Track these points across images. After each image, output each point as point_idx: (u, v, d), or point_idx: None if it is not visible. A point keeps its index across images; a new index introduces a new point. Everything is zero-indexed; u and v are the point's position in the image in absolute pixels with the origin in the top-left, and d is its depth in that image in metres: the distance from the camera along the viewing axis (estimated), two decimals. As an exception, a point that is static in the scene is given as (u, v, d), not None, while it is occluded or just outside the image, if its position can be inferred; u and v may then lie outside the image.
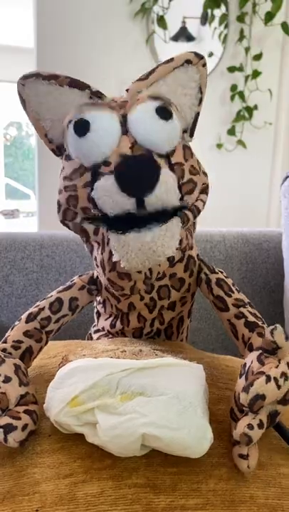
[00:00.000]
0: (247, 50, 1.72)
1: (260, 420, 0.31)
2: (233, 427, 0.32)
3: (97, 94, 0.40)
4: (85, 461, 0.31)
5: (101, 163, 0.37)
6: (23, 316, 0.43)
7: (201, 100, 0.43)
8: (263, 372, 0.31)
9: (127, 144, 0.36)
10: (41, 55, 1.54)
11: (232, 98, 1.75)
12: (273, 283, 0.82)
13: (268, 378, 0.30)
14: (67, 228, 0.43)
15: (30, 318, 0.42)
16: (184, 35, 1.73)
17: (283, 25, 1.63)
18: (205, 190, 0.43)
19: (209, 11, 1.66)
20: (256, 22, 1.69)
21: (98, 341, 0.50)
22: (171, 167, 0.38)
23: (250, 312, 0.41)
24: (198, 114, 0.43)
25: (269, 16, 1.63)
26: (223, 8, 1.69)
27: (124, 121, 0.37)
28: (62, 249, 0.75)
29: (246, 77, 1.74)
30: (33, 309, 0.44)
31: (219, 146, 1.77)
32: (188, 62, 0.41)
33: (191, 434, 0.30)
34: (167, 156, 0.38)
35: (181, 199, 0.39)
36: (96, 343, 0.49)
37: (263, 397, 0.30)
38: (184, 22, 1.71)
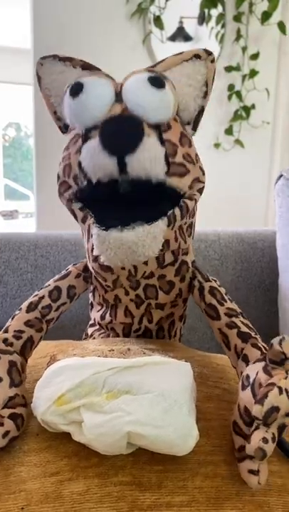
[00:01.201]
0: (244, 49, 1.72)
1: (273, 434, 0.30)
2: (239, 442, 0.32)
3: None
4: (71, 460, 0.31)
5: (92, 128, 0.37)
6: (23, 306, 0.43)
7: (206, 94, 0.43)
8: (273, 384, 0.30)
9: (118, 109, 0.37)
10: (38, 55, 1.54)
11: (229, 98, 1.75)
12: (268, 282, 0.82)
13: (280, 390, 0.29)
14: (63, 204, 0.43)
15: (31, 308, 0.43)
16: (181, 35, 1.73)
17: (280, 24, 1.63)
18: (200, 190, 0.43)
19: (206, 10, 1.66)
20: (253, 21, 1.70)
21: (90, 341, 0.50)
22: (162, 141, 0.38)
23: (243, 322, 0.40)
24: (202, 108, 0.43)
25: (266, 16, 1.63)
26: (220, 7, 1.69)
27: (120, 91, 0.38)
28: (57, 250, 0.75)
29: (243, 77, 1.74)
30: (32, 299, 0.44)
31: (217, 145, 1.78)
32: (196, 56, 0.42)
33: (176, 431, 0.30)
34: (158, 129, 0.38)
35: (168, 174, 0.38)
36: (87, 343, 0.49)
37: (277, 409, 0.29)
38: (181, 22, 1.71)
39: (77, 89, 0.38)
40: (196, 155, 0.42)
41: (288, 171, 0.73)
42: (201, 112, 0.43)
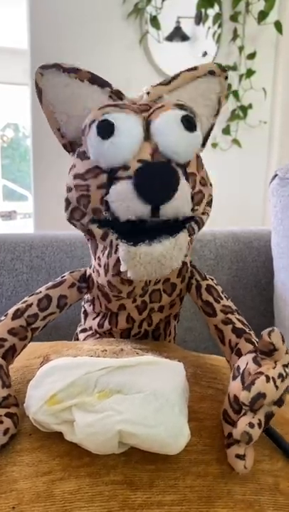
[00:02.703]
0: (241, 49, 1.73)
1: (259, 420, 0.31)
2: (228, 429, 0.33)
3: (118, 94, 0.39)
4: (63, 459, 0.32)
5: (120, 167, 0.36)
6: (10, 312, 0.42)
7: (218, 112, 0.42)
8: (261, 373, 0.31)
9: (148, 150, 0.35)
10: (35, 56, 1.54)
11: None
12: (264, 281, 0.83)
13: (268, 378, 0.31)
14: (73, 227, 0.42)
15: (17, 315, 0.42)
16: (178, 34, 1.74)
17: (276, 23, 1.64)
18: (210, 202, 0.43)
19: (203, 10, 1.67)
20: (249, 21, 1.70)
21: (84, 342, 0.50)
22: (187, 177, 0.37)
23: (238, 319, 0.41)
24: (213, 125, 0.43)
25: (262, 15, 1.63)
26: (216, 7, 1.69)
27: (146, 127, 0.36)
28: (52, 250, 0.75)
29: (240, 76, 1.75)
30: (20, 305, 0.43)
31: (214, 145, 1.78)
32: (211, 73, 0.41)
33: (168, 430, 0.30)
34: (184, 166, 0.37)
35: (192, 209, 0.38)
36: (82, 343, 0.49)
37: (264, 395, 0.30)
38: (178, 22, 1.72)
39: (108, 131, 0.35)
40: (207, 174, 0.42)
41: (282, 170, 0.73)
42: (211, 129, 0.43)
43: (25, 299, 0.44)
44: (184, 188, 0.36)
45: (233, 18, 1.69)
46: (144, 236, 0.36)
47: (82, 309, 0.53)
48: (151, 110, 0.37)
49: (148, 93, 0.40)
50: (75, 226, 0.41)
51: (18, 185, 4.64)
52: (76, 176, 0.38)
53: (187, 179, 0.37)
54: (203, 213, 0.41)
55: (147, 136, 0.36)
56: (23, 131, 5.11)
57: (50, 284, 0.46)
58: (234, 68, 1.73)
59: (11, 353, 0.40)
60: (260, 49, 1.74)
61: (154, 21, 1.65)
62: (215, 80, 0.41)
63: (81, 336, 0.53)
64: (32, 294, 0.44)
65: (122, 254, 0.36)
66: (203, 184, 0.39)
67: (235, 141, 1.80)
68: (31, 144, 1.64)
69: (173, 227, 0.37)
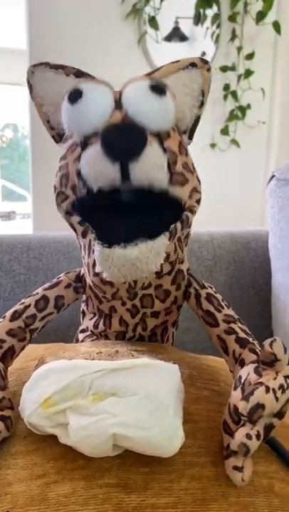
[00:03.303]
0: (239, 49, 1.73)
1: (258, 431, 0.30)
2: (228, 440, 0.32)
3: None
4: (58, 462, 0.32)
5: (91, 135, 0.36)
6: (8, 314, 0.43)
7: (202, 103, 0.43)
8: (261, 383, 0.31)
9: (118, 117, 0.36)
10: (34, 56, 1.54)
11: (225, 97, 1.75)
12: (261, 282, 0.82)
13: (268, 389, 0.30)
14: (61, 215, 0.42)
15: (15, 317, 0.42)
16: (177, 35, 1.74)
17: (275, 24, 1.64)
18: (198, 200, 0.42)
19: (201, 10, 1.67)
20: (248, 21, 1.70)
21: (81, 344, 0.50)
22: (164, 149, 0.37)
23: (241, 328, 0.40)
24: (198, 117, 0.43)
25: (260, 16, 1.63)
26: (215, 8, 1.69)
27: (119, 99, 0.38)
28: (50, 251, 0.75)
29: (239, 77, 1.74)
30: (18, 307, 0.43)
31: (213, 145, 1.78)
32: (193, 65, 0.42)
33: (162, 433, 0.30)
34: (159, 137, 0.37)
35: (171, 183, 0.38)
36: (78, 345, 0.49)
37: (262, 406, 0.30)
38: (176, 22, 1.72)
39: (76, 96, 0.37)
40: (193, 164, 0.42)
41: (280, 171, 0.73)
42: (196, 121, 0.43)
43: (23, 300, 0.44)
44: (156, 153, 0.36)
45: (232, 18, 1.69)
46: (120, 237, 0.36)
47: (81, 309, 0.53)
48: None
49: None
50: (62, 216, 0.42)
51: (17, 185, 4.64)
52: (60, 159, 0.40)
53: (164, 150, 0.37)
54: (190, 211, 0.41)
55: (120, 106, 0.37)
56: (22, 132, 5.11)
57: (46, 285, 0.46)
58: (233, 68, 1.73)
59: (10, 354, 0.41)
60: (259, 49, 1.74)
61: (153, 22, 1.65)
62: (197, 72, 0.42)
63: (80, 336, 0.53)
64: (29, 296, 0.45)
65: (97, 255, 0.37)
66: (187, 169, 0.39)
67: (234, 142, 1.80)
68: (30, 145, 1.64)
69: (154, 225, 0.37)
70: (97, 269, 0.38)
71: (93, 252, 0.38)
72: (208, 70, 0.42)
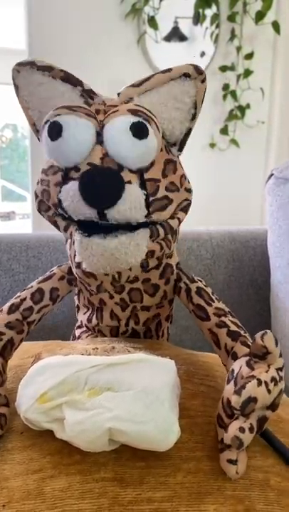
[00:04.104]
0: (238, 49, 1.73)
1: (251, 424, 0.31)
2: (222, 434, 0.32)
3: (89, 93, 0.39)
4: (54, 457, 0.32)
5: (72, 168, 0.36)
6: (5, 307, 0.43)
7: (194, 116, 0.41)
8: (253, 376, 0.31)
9: (98, 154, 0.36)
10: (33, 56, 1.54)
11: (224, 97, 1.76)
12: (260, 280, 0.83)
13: (259, 382, 0.30)
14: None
15: (12, 310, 0.43)
16: (176, 35, 1.74)
17: (274, 24, 1.64)
18: (185, 208, 0.42)
19: (200, 10, 1.67)
20: (247, 21, 1.70)
21: (78, 341, 0.50)
22: (143, 183, 0.37)
23: (232, 321, 0.40)
24: (190, 129, 0.42)
25: (260, 15, 1.64)
26: (214, 8, 1.69)
27: (101, 130, 0.36)
28: (49, 250, 0.75)
29: (238, 76, 1.75)
30: (14, 300, 0.44)
31: (212, 145, 1.78)
32: (186, 75, 0.39)
33: (157, 427, 0.30)
34: (140, 172, 0.37)
35: (148, 215, 0.38)
36: (76, 342, 0.49)
37: (255, 399, 0.30)
38: (176, 22, 1.72)
39: (56, 132, 0.36)
40: (182, 176, 0.41)
41: (278, 169, 0.73)
42: (187, 133, 0.42)
43: (18, 294, 0.45)
44: (134, 194, 0.36)
45: (231, 18, 1.70)
46: (101, 229, 0.36)
47: (75, 304, 0.54)
48: (106, 114, 0.37)
49: (119, 94, 0.39)
50: (44, 217, 0.42)
51: (17, 185, 4.64)
52: (42, 171, 0.40)
53: (143, 185, 0.37)
54: (172, 218, 0.41)
55: (101, 140, 0.36)
56: (21, 132, 5.12)
57: (40, 278, 0.47)
58: (232, 68, 1.74)
59: (10, 347, 0.41)
60: (258, 49, 1.75)
61: (152, 21, 1.65)
62: (190, 83, 0.39)
63: (77, 332, 0.54)
64: (24, 290, 0.45)
65: (76, 244, 0.37)
66: (171, 190, 0.39)
67: (233, 141, 1.80)
68: (30, 145, 1.65)
69: (129, 226, 0.37)
70: (77, 259, 0.38)
71: (73, 243, 0.38)
72: (203, 80, 0.40)
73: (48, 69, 0.39)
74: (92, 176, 0.35)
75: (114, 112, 0.37)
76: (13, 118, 4.78)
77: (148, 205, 0.37)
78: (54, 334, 0.74)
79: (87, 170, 0.35)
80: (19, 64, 0.40)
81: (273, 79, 1.84)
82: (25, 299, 0.44)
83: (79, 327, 0.53)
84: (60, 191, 0.37)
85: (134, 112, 0.36)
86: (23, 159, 5.00)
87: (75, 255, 0.39)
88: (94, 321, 0.48)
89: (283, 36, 1.73)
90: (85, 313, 0.50)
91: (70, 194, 0.36)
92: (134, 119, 0.36)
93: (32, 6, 1.54)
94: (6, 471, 0.31)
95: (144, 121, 0.36)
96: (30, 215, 1.73)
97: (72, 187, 0.35)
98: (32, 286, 0.45)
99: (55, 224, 0.41)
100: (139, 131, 0.36)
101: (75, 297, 0.52)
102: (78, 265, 0.40)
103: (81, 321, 0.51)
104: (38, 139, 0.42)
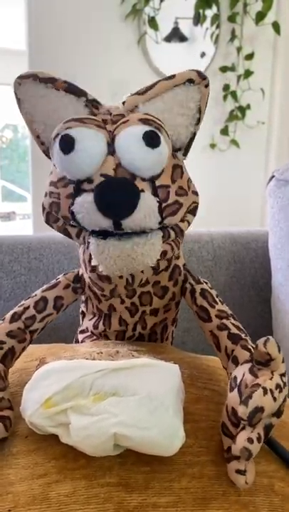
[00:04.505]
0: (239, 49, 1.73)
1: (259, 434, 0.30)
2: (228, 443, 0.32)
3: (93, 103, 0.39)
4: (59, 462, 0.32)
5: (84, 180, 0.36)
6: (7, 316, 0.43)
7: (199, 120, 0.41)
8: (258, 385, 0.31)
9: (111, 164, 0.36)
10: (33, 56, 1.54)
11: (224, 98, 1.76)
12: (261, 282, 0.83)
13: (265, 391, 0.30)
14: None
15: (15, 318, 0.42)
16: (176, 35, 1.74)
17: (274, 24, 1.64)
18: (193, 210, 0.42)
19: (201, 11, 1.67)
20: (247, 22, 1.70)
21: (82, 344, 0.50)
22: (155, 190, 0.37)
23: (233, 324, 0.40)
24: (194, 134, 0.42)
25: (260, 16, 1.64)
26: (214, 8, 1.69)
27: (112, 141, 0.36)
28: (50, 252, 0.76)
29: (238, 77, 1.75)
30: (17, 308, 0.44)
31: (212, 145, 1.78)
32: (190, 81, 0.39)
33: (162, 432, 0.30)
34: (152, 179, 0.37)
35: (162, 221, 0.38)
36: (79, 345, 0.49)
37: (262, 409, 0.30)
38: (176, 22, 1.72)
39: (68, 146, 0.36)
40: (188, 180, 0.41)
41: (279, 171, 0.73)
42: (192, 138, 0.42)
43: (22, 302, 0.45)
44: (148, 203, 0.36)
45: (231, 18, 1.70)
46: (115, 233, 0.37)
47: (80, 310, 0.54)
48: (116, 124, 0.37)
49: (124, 102, 0.39)
50: (53, 228, 0.42)
51: (17, 186, 4.64)
52: (51, 183, 0.39)
53: (155, 193, 0.37)
54: (182, 221, 0.41)
55: (112, 150, 0.36)
56: (22, 132, 5.12)
57: (44, 286, 0.46)
58: (232, 69, 1.74)
59: (10, 356, 0.41)
60: (258, 50, 1.75)
61: (152, 22, 1.65)
62: (194, 88, 0.40)
63: (80, 336, 0.53)
64: (28, 298, 0.45)
65: (92, 247, 0.37)
66: (180, 194, 0.39)
67: (234, 142, 1.80)
68: (30, 145, 1.65)
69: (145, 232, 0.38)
70: (93, 262, 0.38)
71: (88, 247, 0.38)
72: (207, 85, 0.40)
73: (50, 80, 0.39)
74: (108, 187, 0.35)
75: (124, 122, 0.37)
76: (14, 118, 4.78)
77: (161, 211, 0.37)
78: (55, 336, 0.74)
79: (102, 181, 0.35)
80: (21, 77, 0.39)
81: (273, 79, 1.84)
82: (28, 307, 0.43)
83: (83, 332, 0.53)
84: (72, 203, 0.37)
85: (145, 121, 0.36)
86: (24, 159, 5.00)
87: (89, 260, 0.39)
88: (101, 327, 0.48)
89: (283, 37, 1.73)
90: (90, 320, 0.50)
91: (85, 206, 0.35)
92: (146, 128, 0.36)
93: (32, 6, 1.54)
94: (11, 476, 0.31)
95: (156, 130, 0.36)
96: (31, 215, 1.73)
97: (86, 199, 0.35)
98: (36, 295, 0.45)
99: (65, 232, 0.41)
100: (151, 140, 0.36)
101: (82, 304, 0.52)
102: (93, 269, 0.40)
103: (86, 327, 0.51)
104: (44, 151, 0.42)
